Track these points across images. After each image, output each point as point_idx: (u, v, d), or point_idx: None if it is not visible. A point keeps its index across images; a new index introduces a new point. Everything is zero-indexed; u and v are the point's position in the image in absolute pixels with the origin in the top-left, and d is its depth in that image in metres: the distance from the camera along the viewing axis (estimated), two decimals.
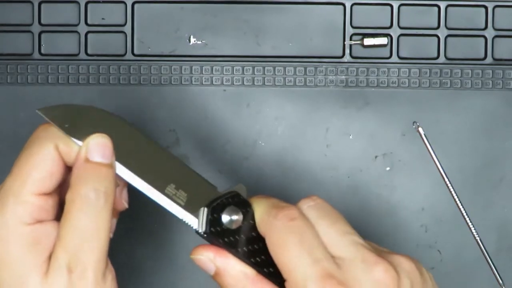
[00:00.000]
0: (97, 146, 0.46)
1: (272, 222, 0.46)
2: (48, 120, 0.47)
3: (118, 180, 0.48)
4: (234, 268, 0.47)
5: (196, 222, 0.47)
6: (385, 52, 0.63)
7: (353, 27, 0.63)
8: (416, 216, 0.63)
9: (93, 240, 0.45)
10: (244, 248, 0.47)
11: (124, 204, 0.50)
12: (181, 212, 0.48)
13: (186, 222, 0.48)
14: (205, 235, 0.47)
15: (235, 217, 0.47)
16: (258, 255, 0.47)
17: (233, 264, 0.47)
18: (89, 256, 0.45)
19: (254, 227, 0.48)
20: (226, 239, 0.47)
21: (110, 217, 0.46)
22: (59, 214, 0.47)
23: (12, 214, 0.45)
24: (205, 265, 0.48)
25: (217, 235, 0.47)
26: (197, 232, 0.48)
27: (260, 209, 0.48)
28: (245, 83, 0.63)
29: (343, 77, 0.63)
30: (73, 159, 0.47)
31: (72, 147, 0.46)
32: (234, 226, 0.47)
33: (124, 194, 0.50)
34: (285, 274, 0.45)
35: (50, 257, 0.45)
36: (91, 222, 0.45)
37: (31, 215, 0.45)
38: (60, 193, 0.48)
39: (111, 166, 0.46)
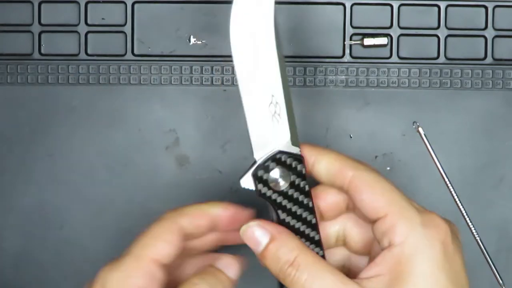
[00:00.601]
0: (226, 260, 0.50)
1: (360, 166, 0.48)
2: None
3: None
4: (289, 240, 0.47)
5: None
6: (385, 52, 0.63)
7: (353, 27, 0.63)
8: None
9: None
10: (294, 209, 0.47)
11: None
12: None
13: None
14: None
15: (283, 177, 0.48)
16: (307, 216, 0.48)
17: (288, 235, 0.47)
18: None
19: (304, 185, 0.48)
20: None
21: None
22: None
23: (129, 274, 0.46)
24: (258, 238, 0.47)
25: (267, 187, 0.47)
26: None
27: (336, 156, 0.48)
28: None
29: (343, 77, 0.63)
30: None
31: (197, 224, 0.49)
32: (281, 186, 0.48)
33: None
34: (383, 209, 0.46)
35: None
36: None
37: (145, 280, 0.46)
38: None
39: (227, 278, 0.49)
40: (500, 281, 0.62)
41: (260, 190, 0.48)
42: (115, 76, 0.63)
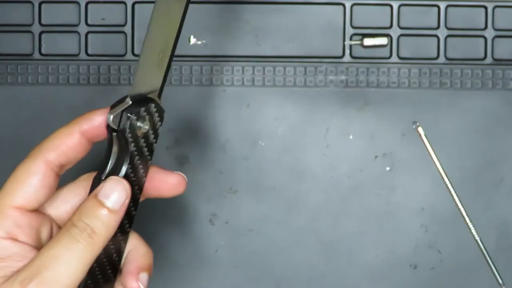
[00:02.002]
0: (111, 189, 0.45)
1: None
2: None
3: (143, 265, 0.48)
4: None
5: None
6: (385, 52, 0.63)
7: (353, 27, 0.63)
8: (416, 216, 0.63)
9: (55, 268, 0.42)
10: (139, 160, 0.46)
11: (139, 287, 0.48)
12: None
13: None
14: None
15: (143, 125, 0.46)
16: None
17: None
18: (48, 278, 0.42)
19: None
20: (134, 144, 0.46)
21: (88, 259, 0.43)
22: (38, 243, 0.46)
23: None
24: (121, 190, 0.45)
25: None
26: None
27: None
28: (245, 83, 0.63)
29: (343, 77, 0.63)
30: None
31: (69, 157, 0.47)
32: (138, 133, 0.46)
33: (143, 278, 0.48)
34: None
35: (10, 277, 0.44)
36: (63, 249, 0.43)
37: (5, 229, 0.45)
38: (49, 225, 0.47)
39: (114, 213, 0.45)
40: (500, 281, 0.62)
41: (123, 130, 0.45)
42: (115, 76, 0.63)
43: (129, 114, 0.45)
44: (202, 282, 0.63)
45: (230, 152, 0.63)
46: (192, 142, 0.63)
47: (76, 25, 0.63)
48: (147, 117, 0.46)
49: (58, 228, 0.48)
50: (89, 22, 0.63)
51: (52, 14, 0.63)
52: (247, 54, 0.63)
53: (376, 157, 0.63)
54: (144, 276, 0.48)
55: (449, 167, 0.63)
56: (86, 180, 0.48)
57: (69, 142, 0.46)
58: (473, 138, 0.63)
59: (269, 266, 0.63)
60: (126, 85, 0.63)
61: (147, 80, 0.47)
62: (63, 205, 0.48)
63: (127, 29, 0.63)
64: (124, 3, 0.63)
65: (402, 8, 0.63)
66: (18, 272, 0.43)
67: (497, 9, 0.63)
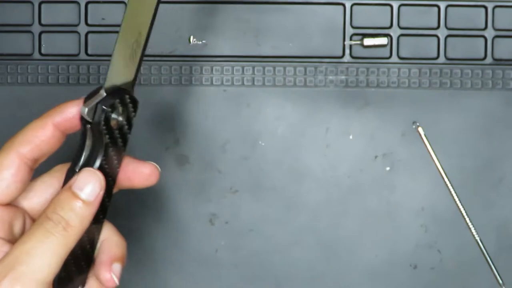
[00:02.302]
0: (85, 181, 0.45)
1: None
2: None
3: (116, 255, 0.47)
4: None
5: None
6: (385, 52, 0.63)
7: (353, 27, 0.63)
8: (416, 216, 0.63)
9: (33, 259, 0.42)
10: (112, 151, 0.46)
11: (112, 277, 0.47)
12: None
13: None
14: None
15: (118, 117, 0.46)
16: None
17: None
18: (22, 272, 0.42)
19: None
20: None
21: (63, 252, 0.43)
22: (11, 237, 0.46)
23: None
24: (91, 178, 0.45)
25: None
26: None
27: None
28: (245, 83, 0.63)
29: (343, 77, 0.63)
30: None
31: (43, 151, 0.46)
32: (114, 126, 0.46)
33: (116, 269, 0.47)
34: None
35: None
36: (38, 242, 0.43)
37: None
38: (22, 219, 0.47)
39: (89, 205, 0.44)
40: (500, 281, 0.62)
41: (98, 123, 0.45)
42: None
43: (103, 107, 0.45)
44: (202, 282, 0.63)
45: (230, 152, 0.63)
46: (192, 142, 0.63)
47: (76, 25, 0.63)
48: (121, 108, 0.46)
49: (31, 221, 0.48)
50: (89, 22, 0.63)
51: (52, 14, 0.63)
52: (247, 54, 0.63)
53: (376, 157, 0.63)
54: (117, 267, 0.47)
55: (449, 167, 0.63)
56: (59, 171, 0.48)
57: (42, 135, 0.46)
58: (473, 138, 0.63)
59: (269, 266, 0.63)
60: None
61: (121, 71, 0.46)
62: (36, 196, 0.48)
63: None
64: (124, 3, 0.63)
65: (402, 8, 0.63)
66: None
67: (497, 9, 0.63)
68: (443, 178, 0.63)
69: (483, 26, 0.63)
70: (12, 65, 0.63)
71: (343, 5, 0.63)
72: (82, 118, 0.45)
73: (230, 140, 0.63)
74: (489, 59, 0.63)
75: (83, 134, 0.46)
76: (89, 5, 0.63)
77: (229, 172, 0.63)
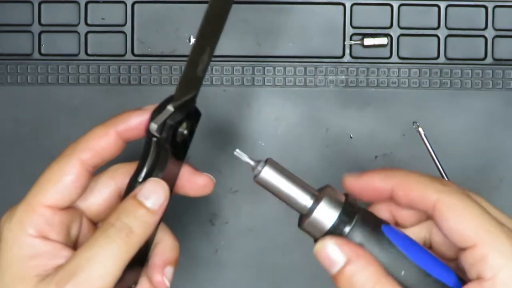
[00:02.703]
0: (151, 190, 0.45)
1: (444, 188, 0.43)
2: None
3: (169, 259, 0.48)
4: (367, 265, 0.42)
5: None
6: (385, 52, 0.63)
7: (353, 27, 0.63)
8: None
9: (96, 266, 0.43)
10: None
11: (164, 281, 0.48)
12: None
13: None
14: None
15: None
16: None
17: (366, 259, 0.42)
18: (84, 279, 0.42)
19: None
20: None
21: (124, 259, 0.43)
22: (68, 240, 0.46)
23: (18, 221, 0.45)
24: (333, 257, 0.43)
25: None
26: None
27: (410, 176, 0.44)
28: (245, 83, 0.63)
29: (343, 77, 0.63)
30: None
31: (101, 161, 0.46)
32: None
33: (168, 272, 0.48)
34: (472, 238, 0.41)
35: (44, 277, 0.44)
36: (100, 249, 0.43)
37: (36, 227, 0.45)
38: (80, 223, 0.48)
39: (152, 213, 0.45)
40: None
41: (165, 139, 0.45)
42: (115, 76, 0.63)
43: (172, 123, 0.45)
44: (202, 282, 0.63)
45: (230, 152, 0.63)
46: (192, 142, 0.63)
47: (76, 25, 0.63)
48: (186, 122, 0.47)
49: (87, 222, 0.48)
50: (89, 22, 0.63)
51: (52, 14, 0.63)
52: (247, 54, 0.63)
53: (376, 157, 0.63)
54: (169, 270, 0.48)
55: (449, 167, 0.63)
56: (115, 171, 0.48)
57: (104, 143, 0.46)
58: (473, 138, 0.63)
59: (269, 266, 0.63)
60: (126, 85, 0.63)
61: (189, 84, 0.47)
62: (92, 196, 0.48)
63: (127, 29, 0.63)
64: (124, 3, 0.63)
65: (402, 8, 0.63)
66: (53, 272, 0.43)
67: (497, 9, 0.63)
68: (443, 178, 0.63)
69: (483, 26, 0.63)
70: (12, 65, 0.63)
71: (343, 5, 0.63)
72: (148, 132, 0.45)
73: (230, 140, 0.63)
74: (489, 59, 0.63)
75: (147, 145, 0.46)
76: (89, 5, 0.63)
77: (229, 172, 0.63)
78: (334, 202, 0.43)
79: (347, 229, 0.43)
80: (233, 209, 0.63)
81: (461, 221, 0.42)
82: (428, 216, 0.45)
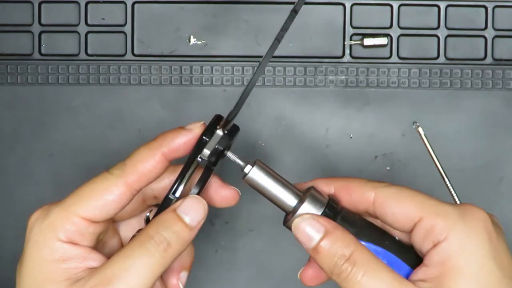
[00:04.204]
0: (191, 206, 0.46)
1: (379, 184, 0.47)
2: None
3: (186, 264, 0.49)
4: (344, 235, 0.45)
5: None
6: (385, 52, 0.63)
7: (353, 27, 0.63)
8: None
9: (131, 275, 0.43)
10: None
11: (179, 285, 0.49)
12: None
13: None
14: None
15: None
16: None
17: (342, 230, 0.45)
18: (119, 286, 0.43)
19: None
20: None
21: (159, 272, 0.44)
22: (97, 243, 0.47)
23: (50, 224, 0.45)
24: (310, 232, 0.46)
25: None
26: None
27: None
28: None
29: (343, 77, 0.63)
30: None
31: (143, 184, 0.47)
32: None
33: (183, 277, 0.49)
34: (416, 213, 0.45)
35: (75, 279, 0.44)
36: (137, 259, 0.44)
37: (66, 234, 0.45)
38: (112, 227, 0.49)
39: (190, 229, 0.45)
40: None
41: (212, 162, 0.47)
42: (115, 76, 0.63)
43: (221, 149, 0.47)
44: (202, 282, 0.63)
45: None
46: None
47: (76, 25, 0.63)
48: (230, 142, 0.48)
49: (113, 225, 0.49)
50: (89, 22, 0.63)
51: (52, 14, 0.63)
52: (247, 54, 0.63)
53: (376, 157, 0.63)
54: (184, 275, 0.49)
55: (449, 167, 0.63)
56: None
57: (150, 165, 0.47)
58: (473, 138, 0.63)
59: (269, 266, 0.63)
60: (126, 85, 0.63)
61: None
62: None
63: (127, 29, 0.63)
64: (124, 3, 0.63)
65: (402, 8, 0.63)
66: (87, 276, 0.44)
67: (497, 9, 0.63)
68: (443, 178, 0.63)
69: (483, 26, 0.63)
70: (12, 65, 0.63)
71: (343, 5, 0.63)
72: (198, 155, 0.46)
73: None
74: (489, 59, 0.63)
75: (189, 162, 0.47)
76: (89, 5, 0.63)
77: (229, 172, 0.63)
78: (317, 202, 0.46)
79: None
80: (233, 209, 0.63)
81: (402, 202, 0.45)
82: (373, 216, 0.47)
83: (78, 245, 0.45)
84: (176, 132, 0.47)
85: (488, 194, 0.63)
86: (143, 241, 0.44)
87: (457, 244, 0.43)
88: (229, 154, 0.48)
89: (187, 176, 0.47)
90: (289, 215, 0.47)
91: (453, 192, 0.62)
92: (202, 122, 0.47)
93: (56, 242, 0.45)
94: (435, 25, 0.63)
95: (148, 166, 0.46)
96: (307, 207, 0.46)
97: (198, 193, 0.46)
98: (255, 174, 0.47)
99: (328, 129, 0.63)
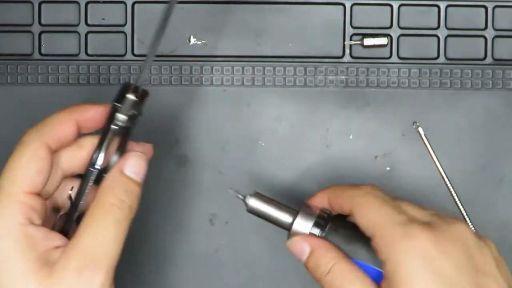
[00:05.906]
0: (134, 163, 0.48)
1: (358, 192, 0.51)
2: None
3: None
4: (326, 252, 0.50)
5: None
6: (385, 52, 0.63)
7: (353, 27, 0.63)
8: None
9: (109, 247, 0.45)
10: None
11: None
12: None
13: None
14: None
15: None
16: None
17: (325, 247, 0.51)
18: (102, 261, 0.45)
19: None
20: None
21: (127, 232, 0.46)
22: (46, 221, 0.47)
23: (6, 214, 0.45)
24: (301, 249, 0.51)
25: None
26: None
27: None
28: (245, 83, 0.63)
29: (343, 77, 0.63)
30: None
31: (64, 140, 0.48)
32: None
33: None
34: (371, 231, 0.49)
35: (47, 261, 0.45)
36: (111, 229, 0.45)
37: (24, 215, 0.45)
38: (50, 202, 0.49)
39: (140, 185, 0.48)
40: None
41: (130, 126, 0.49)
42: (115, 76, 0.63)
43: (136, 112, 0.48)
44: (202, 282, 0.63)
45: (230, 152, 0.63)
46: (192, 142, 0.63)
47: (76, 25, 0.63)
48: (142, 107, 0.49)
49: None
50: (89, 22, 0.63)
51: (52, 14, 0.63)
52: (247, 54, 0.63)
53: (376, 157, 0.63)
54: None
55: (449, 167, 0.63)
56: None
57: (66, 130, 0.48)
58: (473, 138, 0.63)
59: (269, 266, 0.63)
60: None
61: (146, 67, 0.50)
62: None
63: (127, 29, 0.63)
64: (124, 3, 0.63)
65: (402, 8, 0.63)
66: (64, 258, 0.45)
67: (497, 9, 0.63)
68: (443, 178, 0.63)
69: (483, 26, 0.63)
70: (12, 65, 0.63)
71: (343, 5, 0.63)
72: (115, 121, 0.48)
73: (230, 140, 0.63)
74: (489, 59, 0.63)
75: (105, 131, 0.48)
76: (89, 5, 0.63)
77: (229, 172, 0.63)
78: (308, 216, 0.53)
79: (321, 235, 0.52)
80: (233, 209, 0.63)
81: (363, 217, 0.49)
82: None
83: (35, 225, 0.45)
84: (90, 104, 0.49)
85: (488, 194, 0.63)
86: (108, 211, 0.46)
87: (393, 267, 0.47)
88: (232, 191, 0.53)
89: (105, 145, 0.48)
90: (288, 231, 0.53)
91: (453, 192, 0.63)
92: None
93: (19, 228, 0.45)
94: (435, 25, 0.63)
95: (64, 130, 0.48)
96: (299, 223, 0.52)
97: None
98: (254, 204, 0.53)
99: (328, 129, 0.63)
